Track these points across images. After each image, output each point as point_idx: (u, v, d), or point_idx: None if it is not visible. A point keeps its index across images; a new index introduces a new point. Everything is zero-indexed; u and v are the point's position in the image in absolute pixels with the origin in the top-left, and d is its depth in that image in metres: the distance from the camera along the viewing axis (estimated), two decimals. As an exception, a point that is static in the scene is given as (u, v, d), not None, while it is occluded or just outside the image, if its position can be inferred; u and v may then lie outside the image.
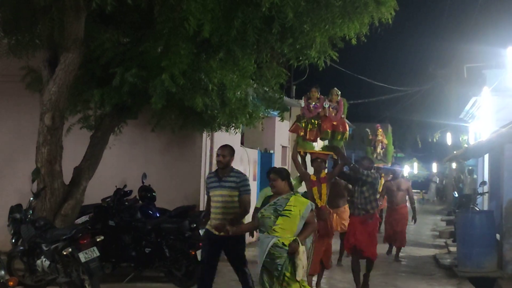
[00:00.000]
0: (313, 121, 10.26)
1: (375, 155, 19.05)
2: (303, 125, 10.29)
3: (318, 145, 11.06)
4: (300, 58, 10.55)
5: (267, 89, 11.66)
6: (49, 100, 9.90)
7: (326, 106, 10.30)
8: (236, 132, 13.11)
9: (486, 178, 17.35)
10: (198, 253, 10.53)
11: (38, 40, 10.79)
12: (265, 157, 18.54)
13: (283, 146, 20.65)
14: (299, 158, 10.56)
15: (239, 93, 10.77)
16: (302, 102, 10.60)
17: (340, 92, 10.55)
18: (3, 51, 10.95)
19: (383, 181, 18.54)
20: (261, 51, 10.64)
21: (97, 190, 11.62)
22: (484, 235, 12.47)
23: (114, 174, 12.87)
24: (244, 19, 9.20)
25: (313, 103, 10.35)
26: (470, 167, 23.24)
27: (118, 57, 9.96)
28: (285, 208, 7.23)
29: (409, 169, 71.69)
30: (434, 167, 62.67)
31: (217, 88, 10.38)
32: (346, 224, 12.11)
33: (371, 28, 10.20)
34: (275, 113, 12.65)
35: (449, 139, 31.21)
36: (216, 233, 8.12)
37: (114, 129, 11.61)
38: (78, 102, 11.38)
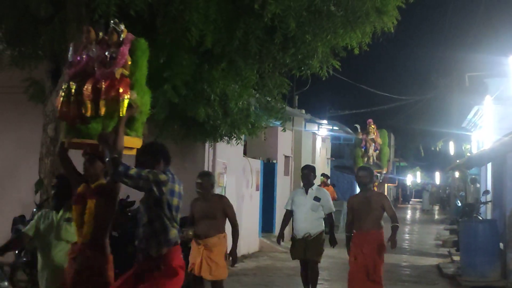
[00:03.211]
0: (72, 85, 5.85)
1: (366, 159, 15.45)
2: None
3: None
4: (302, 68, 10.58)
5: (269, 99, 11.67)
6: (52, 111, 9.90)
7: (92, 54, 5.93)
8: (238, 143, 13.12)
9: (489, 187, 17.32)
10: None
11: (40, 52, 10.83)
12: (268, 167, 18.55)
13: (286, 156, 20.65)
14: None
15: (241, 103, 10.79)
16: (70, 53, 6.31)
17: (123, 27, 5.95)
18: (6, 63, 10.98)
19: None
20: (263, 61, 10.65)
21: (100, 201, 11.60)
22: (488, 244, 12.44)
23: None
24: (246, 29, 9.24)
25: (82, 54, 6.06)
26: (473, 176, 23.22)
27: (121, 67, 9.97)
28: None
29: (412, 178, 72.13)
30: (437, 176, 62.74)
31: (220, 98, 10.40)
32: (221, 264, 8.67)
33: (373, 38, 10.22)
34: (278, 123, 12.66)
35: (451, 148, 31.21)
36: None
37: (116, 140, 11.61)
38: (81, 113, 11.37)
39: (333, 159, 32.06)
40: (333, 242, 10.28)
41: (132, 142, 5.91)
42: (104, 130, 5.57)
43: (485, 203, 16.90)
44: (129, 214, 11.30)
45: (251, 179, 16.58)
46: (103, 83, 5.67)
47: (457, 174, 29.28)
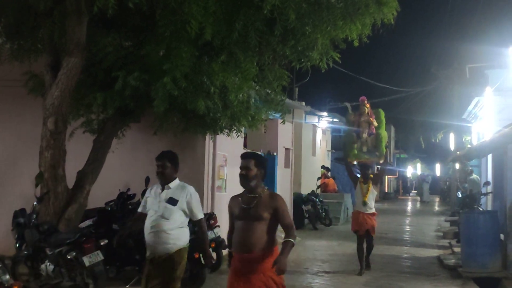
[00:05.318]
0: None
1: (358, 145, 12.79)
2: None
3: None
4: (302, 60, 10.56)
5: (269, 91, 11.65)
6: (52, 104, 9.91)
7: None
8: (239, 135, 13.11)
9: (489, 178, 17.32)
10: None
11: (40, 45, 10.84)
12: (269, 159, 18.54)
13: (286, 148, 20.65)
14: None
15: (241, 95, 10.78)
16: None
17: None
18: (6, 56, 10.98)
19: (369, 187, 12.55)
20: (263, 53, 10.64)
21: (100, 194, 11.63)
22: (488, 235, 12.44)
23: (117, 178, 12.87)
24: (246, 21, 9.22)
25: None
26: (470, 168, 23.28)
27: (120, 60, 9.98)
28: None
29: (413, 170, 72.21)
30: (437, 168, 62.84)
31: (219, 90, 10.39)
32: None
33: (373, 29, 10.21)
34: (278, 115, 12.64)
35: (452, 139, 31.21)
36: None
37: (117, 133, 11.63)
38: (80, 106, 11.40)
39: (334, 151, 32.05)
40: (207, 261, 7.27)
41: None
42: None
43: (486, 194, 16.90)
44: (130, 207, 11.33)
45: (251, 172, 16.54)
46: None
47: (457, 165, 29.33)
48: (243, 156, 6.25)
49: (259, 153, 5.68)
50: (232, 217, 6.22)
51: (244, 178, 6.14)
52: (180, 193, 7.04)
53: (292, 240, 5.94)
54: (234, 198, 6.32)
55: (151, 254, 7.01)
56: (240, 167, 6.16)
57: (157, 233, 6.92)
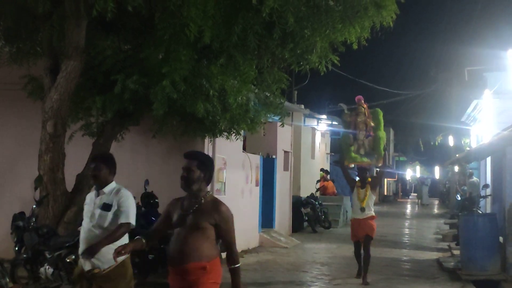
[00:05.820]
0: None
1: (355, 147, 12.01)
2: None
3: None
4: (301, 63, 10.58)
5: (268, 94, 11.66)
6: (51, 107, 9.92)
7: None
8: (238, 138, 13.11)
9: (488, 181, 17.33)
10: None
11: (39, 48, 10.85)
12: (268, 162, 18.55)
13: (285, 151, 20.66)
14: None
15: (240, 98, 10.78)
16: None
17: None
18: (5, 60, 10.98)
19: (367, 192, 11.78)
20: (262, 57, 10.65)
21: (99, 197, 11.62)
22: (487, 238, 12.45)
23: (116, 181, 12.86)
24: (245, 24, 9.24)
25: None
26: (470, 170, 23.29)
27: (119, 64, 9.99)
28: None
29: (412, 173, 72.25)
30: (437, 170, 62.89)
31: (218, 93, 10.39)
32: None
33: (372, 32, 10.23)
34: (277, 118, 12.64)
35: (451, 142, 31.24)
36: None
37: (116, 136, 11.63)
38: (80, 110, 11.40)
39: (333, 154, 32.05)
40: (89, 251, 6.07)
41: None
42: None
43: (485, 197, 16.91)
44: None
45: (250, 175, 16.57)
46: None
47: (456, 168, 29.36)
48: (186, 156, 5.42)
49: (205, 153, 4.89)
50: (166, 219, 5.52)
51: (185, 181, 5.30)
52: (113, 197, 6.40)
53: (236, 266, 5.18)
54: (175, 201, 5.58)
55: (91, 268, 6.10)
56: (182, 168, 5.35)
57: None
